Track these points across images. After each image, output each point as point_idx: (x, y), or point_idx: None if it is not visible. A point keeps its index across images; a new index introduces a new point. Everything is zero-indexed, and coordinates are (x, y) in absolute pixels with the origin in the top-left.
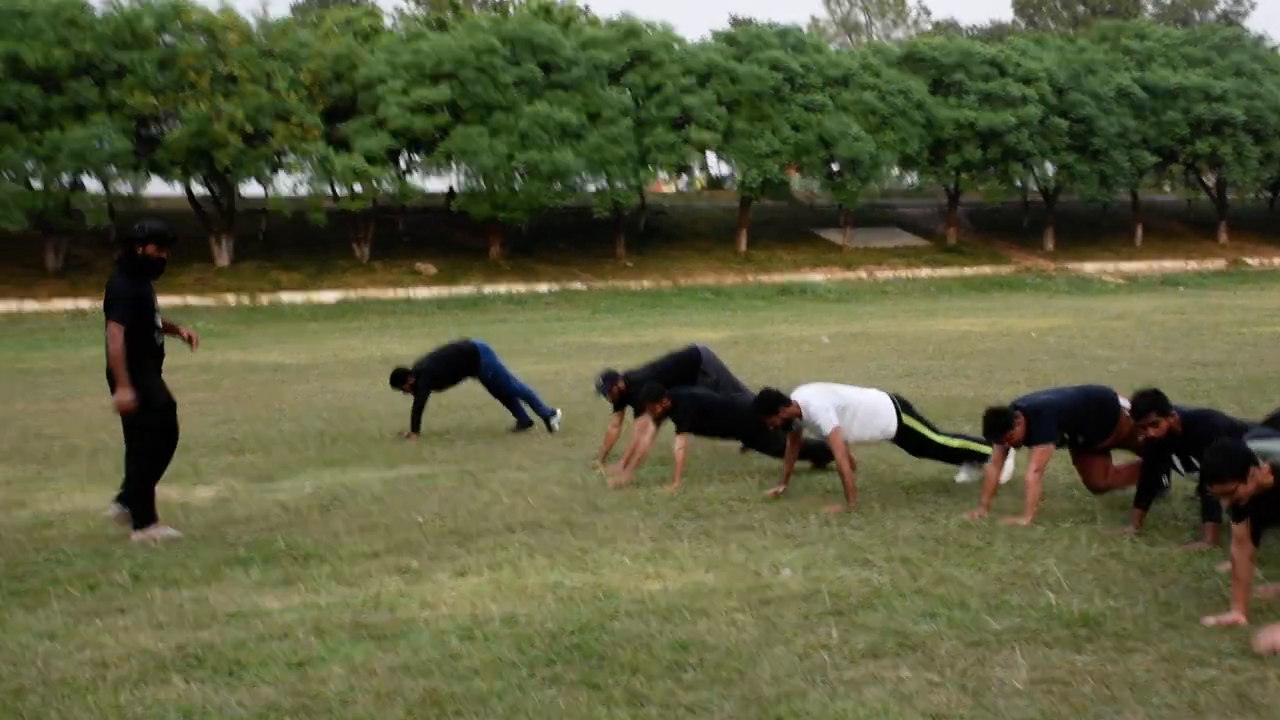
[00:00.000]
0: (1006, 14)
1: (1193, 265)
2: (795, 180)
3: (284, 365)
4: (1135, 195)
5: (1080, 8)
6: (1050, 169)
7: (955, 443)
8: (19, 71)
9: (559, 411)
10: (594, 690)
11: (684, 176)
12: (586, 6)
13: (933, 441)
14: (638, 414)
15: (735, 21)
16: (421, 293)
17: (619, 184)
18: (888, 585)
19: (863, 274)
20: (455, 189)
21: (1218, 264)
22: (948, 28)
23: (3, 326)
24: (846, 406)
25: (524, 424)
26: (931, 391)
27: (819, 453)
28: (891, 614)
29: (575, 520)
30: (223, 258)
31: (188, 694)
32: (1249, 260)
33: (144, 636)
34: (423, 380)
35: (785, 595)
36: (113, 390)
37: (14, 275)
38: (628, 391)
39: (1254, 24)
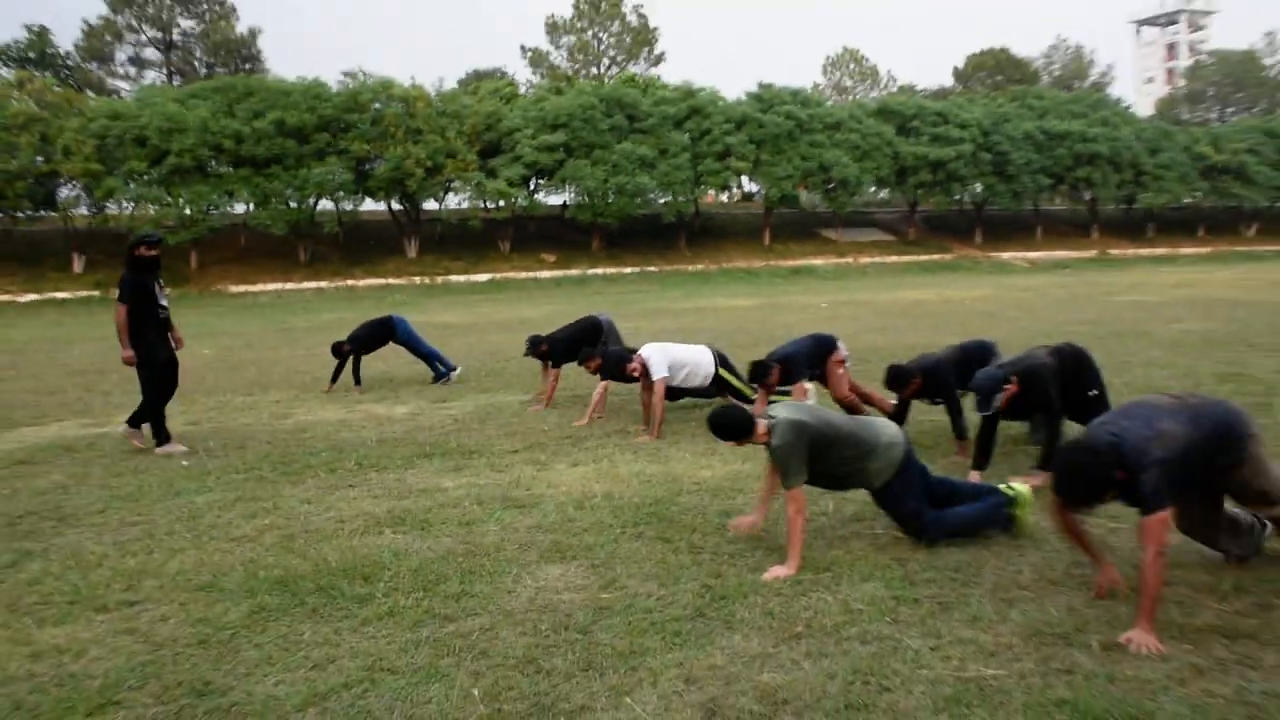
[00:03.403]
0: (949, 80)
1: (1074, 254)
2: (803, 195)
3: (452, 324)
4: (1036, 206)
5: (999, 77)
6: (979, 187)
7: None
8: (282, 130)
9: (460, 367)
10: (665, 543)
11: (726, 192)
12: (658, 76)
13: (740, 391)
14: (554, 365)
15: (761, 84)
16: (544, 274)
17: (680, 198)
18: None
19: (850, 260)
20: (568, 203)
21: (1091, 253)
22: (909, 89)
23: (271, 299)
24: (676, 362)
25: (439, 376)
26: (903, 339)
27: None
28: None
29: None
30: (411, 252)
31: (395, 541)
32: (1112, 251)
33: (366, 503)
34: (354, 346)
35: None
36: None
37: (278, 266)
38: (550, 350)
39: (1114, 90)
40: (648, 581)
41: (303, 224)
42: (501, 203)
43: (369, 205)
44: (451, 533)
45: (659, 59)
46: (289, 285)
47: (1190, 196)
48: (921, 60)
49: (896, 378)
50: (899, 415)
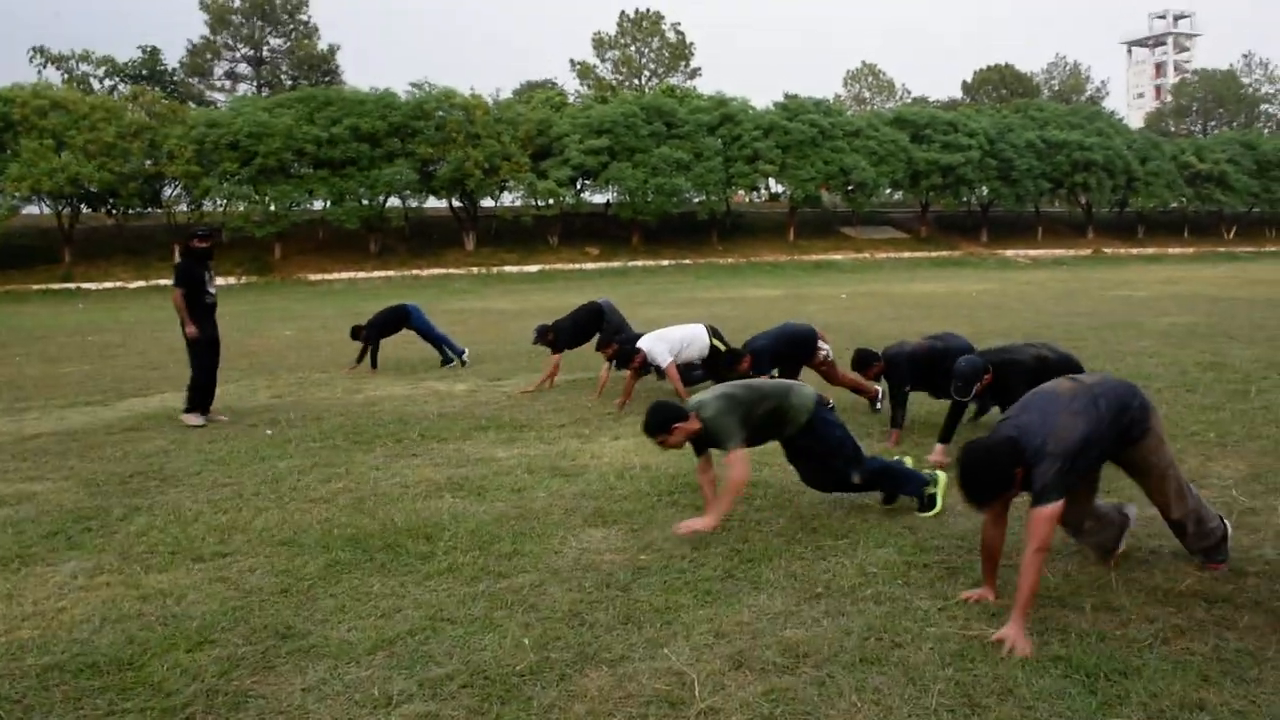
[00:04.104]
0: (958, 93)
1: (1071, 252)
2: (825, 195)
3: (506, 310)
4: (1037, 207)
5: (1004, 91)
6: (985, 190)
7: None
8: (356, 135)
9: (466, 350)
10: (697, 510)
11: (754, 193)
12: (694, 87)
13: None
14: (567, 348)
15: (787, 95)
16: (589, 266)
17: (713, 198)
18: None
19: (867, 255)
20: (611, 201)
21: (1086, 251)
22: (922, 100)
23: (345, 287)
24: (675, 341)
25: (447, 361)
26: (915, 327)
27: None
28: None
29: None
30: (469, 245)
31: (454, 505)
32: (1106, 250)
33: (428, 470)
34: (370, 331)
35: None
36: (182, 328)
37: (352, 257)
38: (556, 338)
39: (1108, 104)
40: (681, 545)
41: (373, 219)
42: (551, 201)
43: (432, 203)
44: (505, 498)
45: (695, 72)
46: (361, 274)
47: (1176, 201)
48: (933, 75)
49: (861, 360)
50: (897, 409)
